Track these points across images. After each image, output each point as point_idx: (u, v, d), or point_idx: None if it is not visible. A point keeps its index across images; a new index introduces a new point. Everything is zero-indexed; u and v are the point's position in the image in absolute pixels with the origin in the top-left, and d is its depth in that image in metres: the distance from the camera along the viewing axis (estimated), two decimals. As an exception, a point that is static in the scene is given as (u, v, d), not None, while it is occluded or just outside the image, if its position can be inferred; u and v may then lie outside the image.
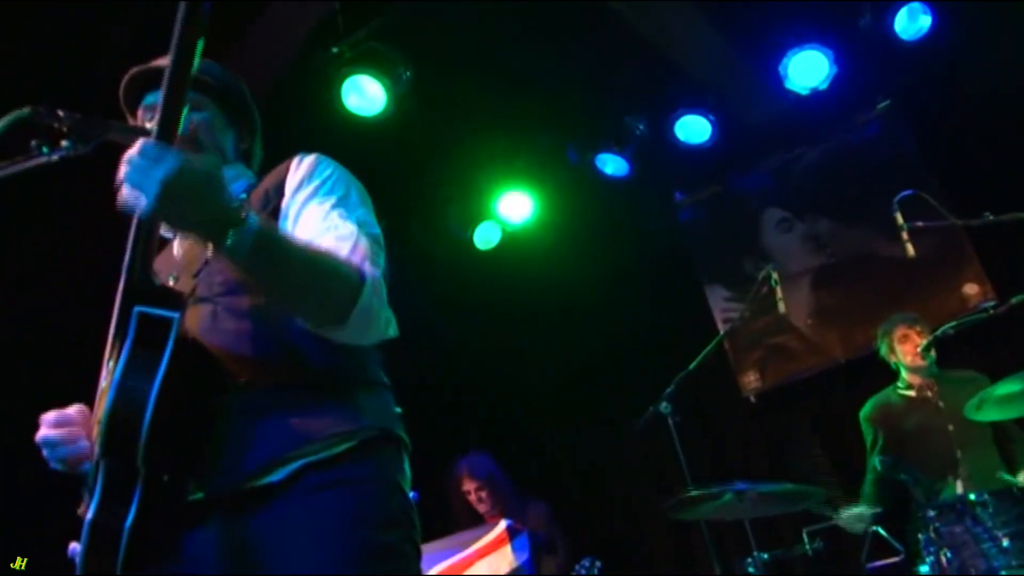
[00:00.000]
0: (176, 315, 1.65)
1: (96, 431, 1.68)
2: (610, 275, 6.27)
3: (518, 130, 5.68)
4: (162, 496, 1.65)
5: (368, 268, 1.74)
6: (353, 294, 1.68)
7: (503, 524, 4.40)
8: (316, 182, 1.89)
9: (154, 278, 1.69)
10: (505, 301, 6.26)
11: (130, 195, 1.51)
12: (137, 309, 1.64)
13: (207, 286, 1.85)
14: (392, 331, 1.79)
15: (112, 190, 1.58)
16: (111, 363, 1.68)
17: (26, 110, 1.75)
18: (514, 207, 6.02)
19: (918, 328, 4.58)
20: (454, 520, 5.21)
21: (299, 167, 1.91)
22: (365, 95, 4.92)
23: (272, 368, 1.75)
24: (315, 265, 1.67)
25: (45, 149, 1.75)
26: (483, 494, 5.18)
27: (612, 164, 5.90)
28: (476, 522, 4.94)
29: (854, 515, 4.14)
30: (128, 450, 1.60)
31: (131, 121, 2.03)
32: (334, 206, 1.84)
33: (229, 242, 1.55)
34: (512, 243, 6.18)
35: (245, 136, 2.15)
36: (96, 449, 1.65)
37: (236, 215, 1.56)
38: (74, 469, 1.83)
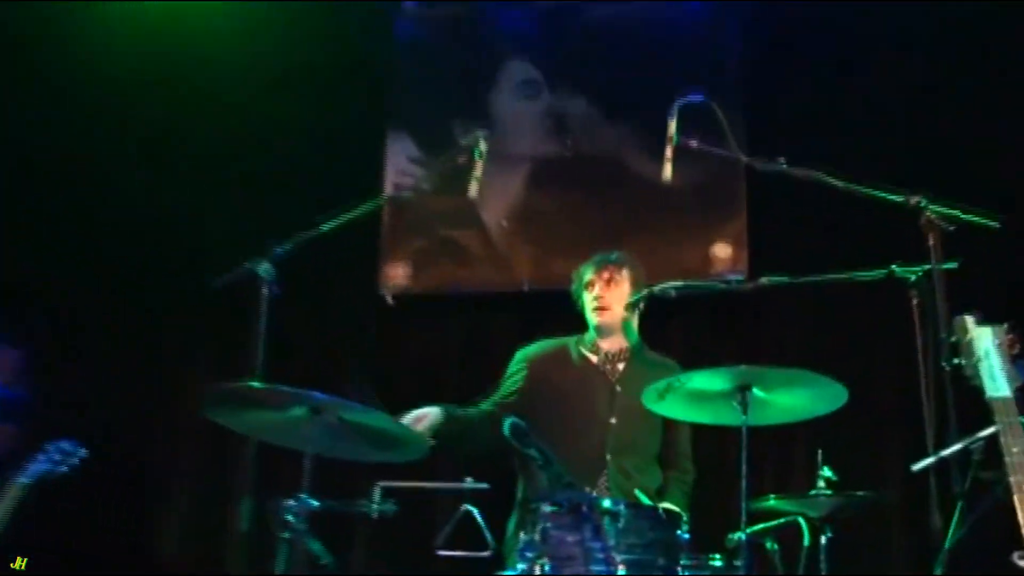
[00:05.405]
0: None
1: None
2: (286, 82, 6.47)
3: None
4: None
5: None
6: None
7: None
8: None
9: None
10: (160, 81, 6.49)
11: None
12: None
13: None
14: None
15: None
16: None
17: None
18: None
19: (608, 275, 4.65)
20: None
21: None
22: None
23: None
24: None
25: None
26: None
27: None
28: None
29: (414, 416, 4.26)
30: None
31: None
32: None
33: None
34: (192, 15, 6.30)
35: None
36: None
37: None
38: None
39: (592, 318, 4.64)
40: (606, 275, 4.64)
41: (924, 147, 5.57)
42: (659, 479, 4.59)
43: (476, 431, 4.45)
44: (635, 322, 4.70)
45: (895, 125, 5.71)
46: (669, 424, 4.52)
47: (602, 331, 4.66)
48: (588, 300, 4.65)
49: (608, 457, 4.43)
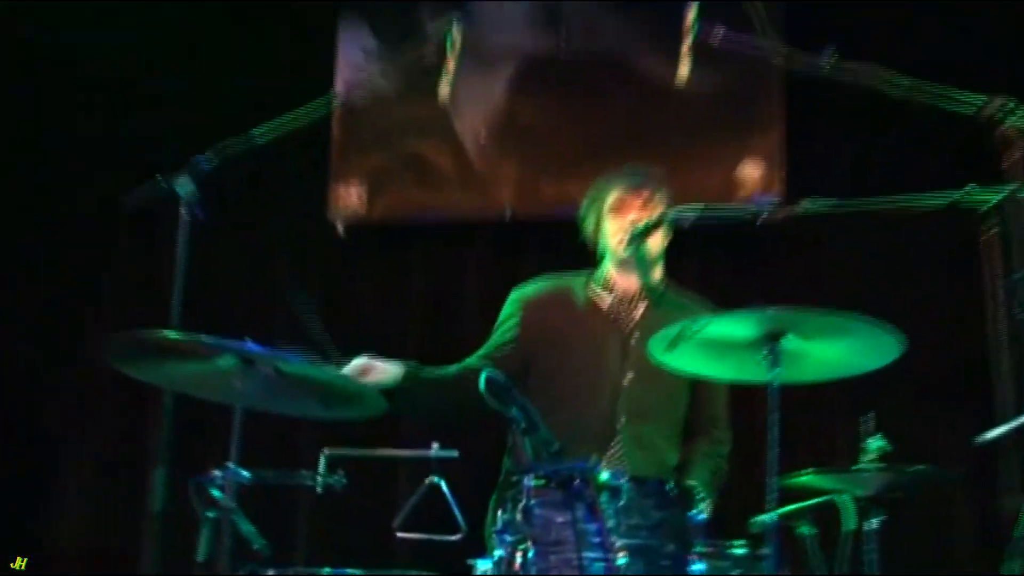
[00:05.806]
0: None
1: None
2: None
3: None
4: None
5: None
6: None
7: None
8: None
9: None
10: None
11: None
12: None
13: None
14: None
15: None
16: None
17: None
18: None
19: (647, 195, 4.59)
20: None
21: None
22: None
23: None
24: None
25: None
26: None
27: None
28: None
29: (358, 366, 4.27)
30: None
31: None
32: None
33: None
34: None
35: None
36: None
37: None
38: None
39: (619, 249, 4.57)
40: (645, 194, 4.58)
41: (1004, 41, 5.57)
42: (678, 455, 4.58)
43: (453, 395, 4.43)
44: (661, 260, 4.67)
45: (969, 14, 5.62)
46: (701, 381, 4.48)
47: (627, 265, 4.61)
48: (617, 226, 4.58)
49: (620, 424, 4.42)
